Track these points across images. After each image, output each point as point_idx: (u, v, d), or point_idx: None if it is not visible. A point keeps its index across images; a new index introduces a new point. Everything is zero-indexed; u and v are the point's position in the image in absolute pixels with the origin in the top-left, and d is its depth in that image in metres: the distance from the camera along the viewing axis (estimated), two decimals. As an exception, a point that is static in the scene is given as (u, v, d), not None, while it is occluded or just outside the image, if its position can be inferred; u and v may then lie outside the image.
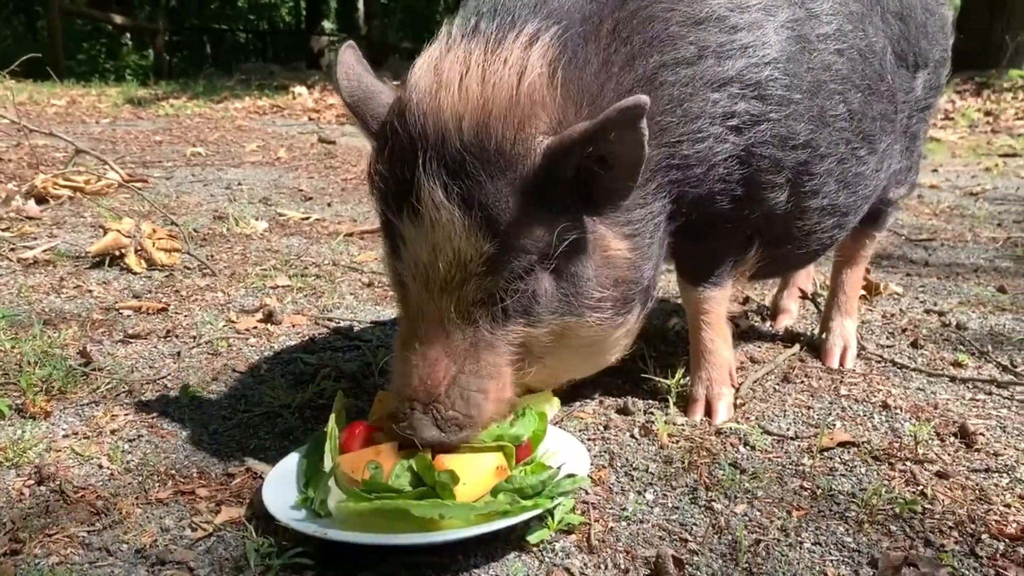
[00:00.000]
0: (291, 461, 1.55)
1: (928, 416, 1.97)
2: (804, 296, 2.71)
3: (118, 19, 17.61)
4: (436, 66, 1.44)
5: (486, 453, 1.44)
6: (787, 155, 1.72)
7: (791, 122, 1.69)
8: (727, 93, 1.61)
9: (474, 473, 1.39)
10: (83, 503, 1.49)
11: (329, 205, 4.42)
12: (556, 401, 1.72)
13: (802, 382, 2.17)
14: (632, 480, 1.64)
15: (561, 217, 1.44)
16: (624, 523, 1.48)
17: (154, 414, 1.85)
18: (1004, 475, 1.69)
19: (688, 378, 1.99)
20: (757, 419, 1.92)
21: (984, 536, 1.45)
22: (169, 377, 2.05)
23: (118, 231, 3.07)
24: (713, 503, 1.55)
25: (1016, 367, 2.30)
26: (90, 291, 2.74)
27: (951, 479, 1.66)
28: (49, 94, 10.01)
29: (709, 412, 1.91)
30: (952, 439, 1.86)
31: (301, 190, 4.79)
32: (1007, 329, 2.65)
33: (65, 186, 4.22)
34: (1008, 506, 1.56)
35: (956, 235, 4.10)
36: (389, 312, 2.64)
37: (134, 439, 1.73)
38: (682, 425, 1.87)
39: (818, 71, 1.71)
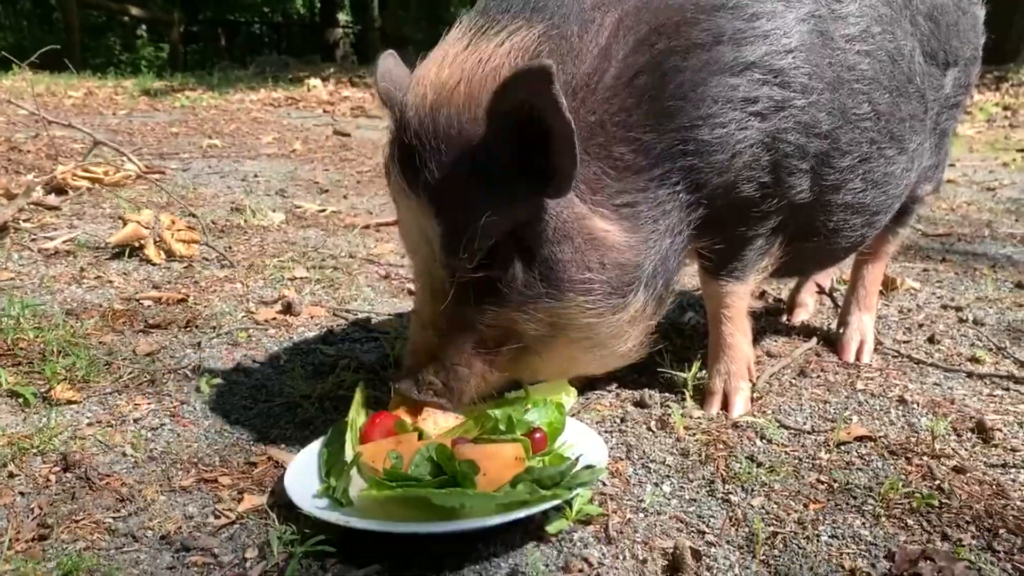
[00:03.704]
0: (312, 450, 1.57)
1: (945, 411, 1.97)
2: (821, 291, 2.71)
3: (134, 10, 17.71)
4: (428, 59, 1.54)
5: (505, 444, 1.46)
6: (811, 142, 1.72)
7: (814, 111, 1.69)
8: (747, 78, 1.61)
9: (493, 463, 1.40)
10: (108, 490, 1.52)
11: (345, 197, 4.45)
12: (573, 392, 1.74)
13: (818, 376, 2.17)
14: (649, 472, 1.65)
15: (509, 197, 1.47)
16: (642, 515, 1.50)
17: (176, 403, 1.87)
18: (1022, 470, 1.69)
19: (705, 371, 2.00)
20: (774, 413, 1.93)
21: (1002, 531, 1.45)
22: (190, 367, 2.07)
23: (137, 222, 3.09)
24: (730, 496, 1.56)
25: (1034, 363, 2.30)
26: (110, 282, 2.77)
27: (968, 474, 1.66)
28: (66, 85, 10.07)
29: (726, 405, 1.92)
30: (969, 434, 1.86)
31: (317, 182, 4.81)
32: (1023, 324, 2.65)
33: (84, 177, 4.25)
34: (1025, 501, 1.57)
35: (974, 231, 4.08)
36: (406, 304, 2.66)
37: (157, 428, 1.76)
38: (699, 418, 1.87)
39: (840, 69, 1.71)
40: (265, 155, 5.75)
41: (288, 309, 2.50)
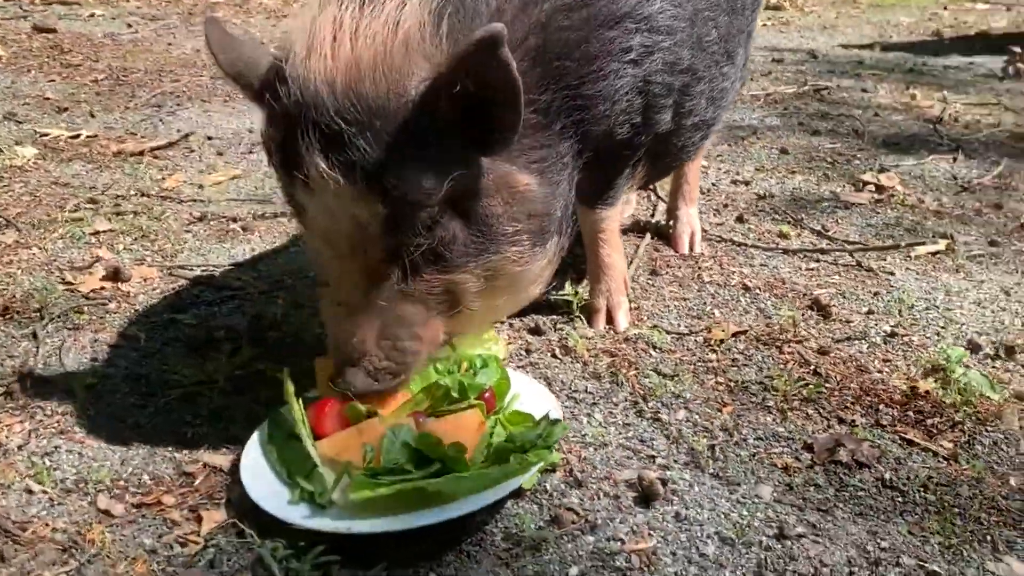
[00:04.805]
0: (255, 450, 1.49)
1: (781, 292, 2.24)
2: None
3: None
4: (310, 29, 1.40)
5: (464, 412, 1.48)
6: (675, 79, 1.81)
7: (677, 49, 1.78)
8: (622, 29, 1.66)
9: (460, 434, 1.42)
10: (39, 540, 1.36)
11: (92, 116, 3.94)
12: (501, 340, 1.78)
13: (668, 273, 2.36)
14: (576, 403, 1.75)
15: (453, 163, 1.44)
16: (591, 449, 1.60)
17: (55, 416, 1.67)
18: (863, 342, 2.00)
19: (586, 288, 2.11)
20: (649, 318, 2.09)
21: (880, 406, 1.73)
22: (42, 366, 1.84)
23: None
24: (659, 414, 1.71)
25: (828, 231, 2.64)
26: None
27: (831, 354, 1.93)
28: None
29: (611, 320, 2.05)
30: (810, 312, 2.14)
31: (48, 98, 4.20)
32: (804, 192, 3.02)
33: None
34: (880, 372, 1.86)
35: (724, 95, 4.46)
36: (240, 249, 2.50)
37: (51, 452, 1.57)
38: (593, 337, 1.99)
39: (696, 1, 1.81)
40: (-38, 67, 4.90)
41: (116, 275, 2.25)
